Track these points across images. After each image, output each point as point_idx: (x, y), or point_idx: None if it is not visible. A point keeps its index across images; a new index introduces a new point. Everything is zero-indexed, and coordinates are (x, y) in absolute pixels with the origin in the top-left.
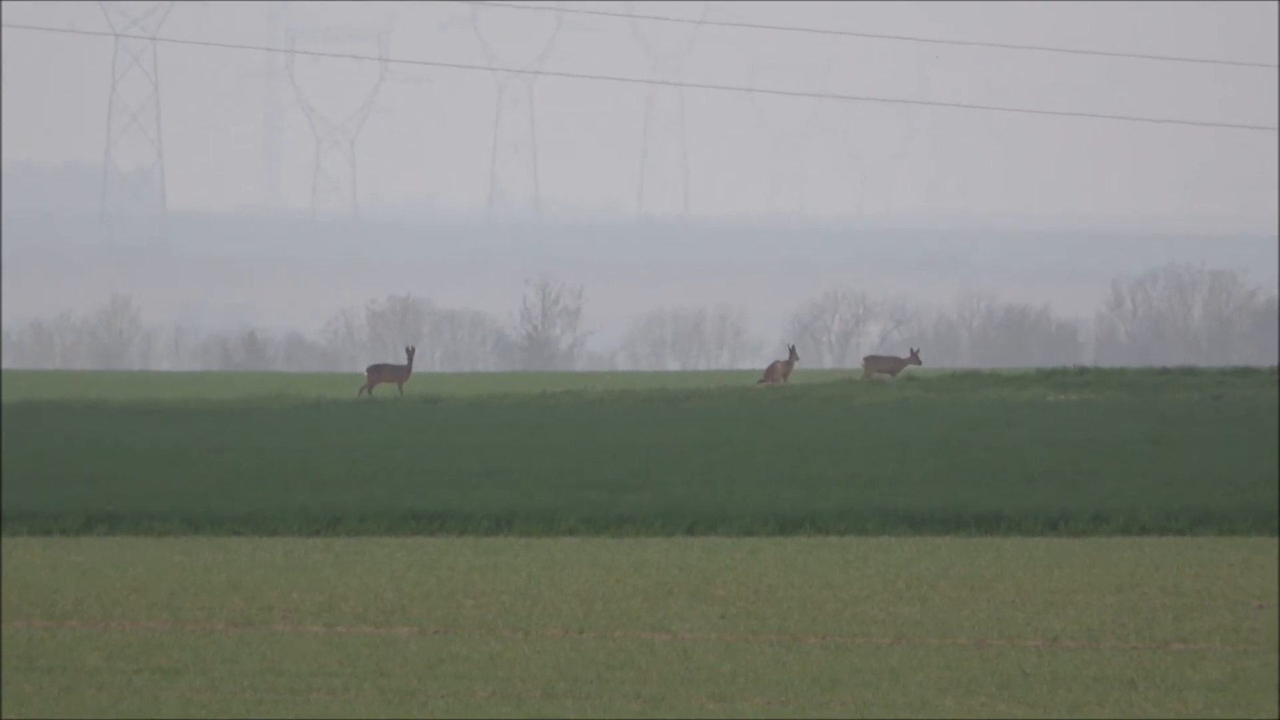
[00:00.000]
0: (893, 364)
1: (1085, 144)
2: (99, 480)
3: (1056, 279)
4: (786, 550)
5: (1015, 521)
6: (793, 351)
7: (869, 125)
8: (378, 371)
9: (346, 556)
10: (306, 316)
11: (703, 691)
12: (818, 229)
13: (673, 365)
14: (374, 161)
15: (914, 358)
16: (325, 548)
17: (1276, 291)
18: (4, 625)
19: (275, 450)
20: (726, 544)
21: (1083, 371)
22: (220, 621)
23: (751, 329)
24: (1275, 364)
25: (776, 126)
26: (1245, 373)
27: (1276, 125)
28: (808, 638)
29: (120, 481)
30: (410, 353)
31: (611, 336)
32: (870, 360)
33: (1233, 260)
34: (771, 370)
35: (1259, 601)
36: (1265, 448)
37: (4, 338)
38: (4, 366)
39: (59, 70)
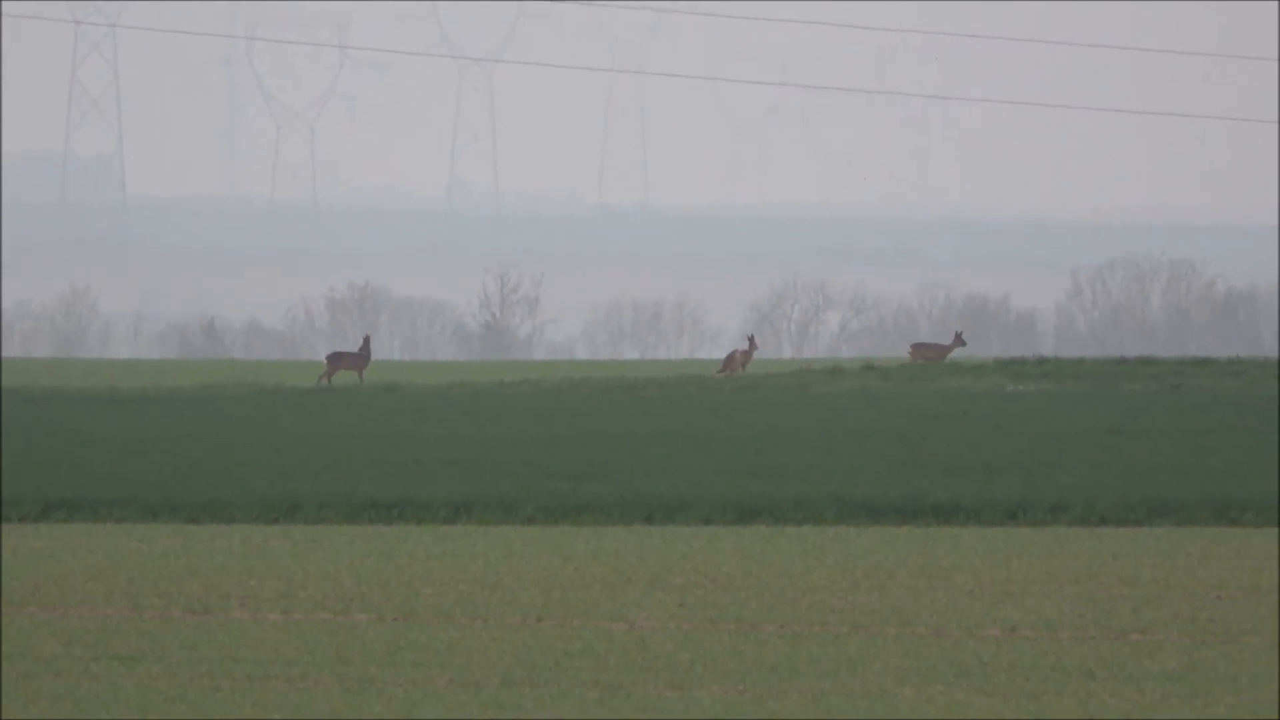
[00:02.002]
0: (938, 351)
1: (1044, 134)
2: (57, 467)
3: (1015, 269)
4: (745, 539)
5: (973, 511)
6: (752, 341)
7: (830, 115)
8: (337, 359)
9: (305, 544)
10: (265, 304)
11: (661, 680)
12: (777, 218)
13: (631, 354)
14: (333, 149)
15: (958, 340)
16: (283, 535)
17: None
18: None
19: (234, 438)
20: (685, 533)
21: (1041, 361)
22: (178, 609)
23: (710, 318)
24: (1234, 355)
25: (737, 116)
26: (1204, 363)
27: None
28: (765, 626)
29: (78, 468)
30: (366, 341)
31: (570, 325)
32: (917, 347)
33: (1191, 250)
34: (730, 359)
35: (1217, 592)
36: (1224, 438)
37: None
38: None
39: (18, 57)
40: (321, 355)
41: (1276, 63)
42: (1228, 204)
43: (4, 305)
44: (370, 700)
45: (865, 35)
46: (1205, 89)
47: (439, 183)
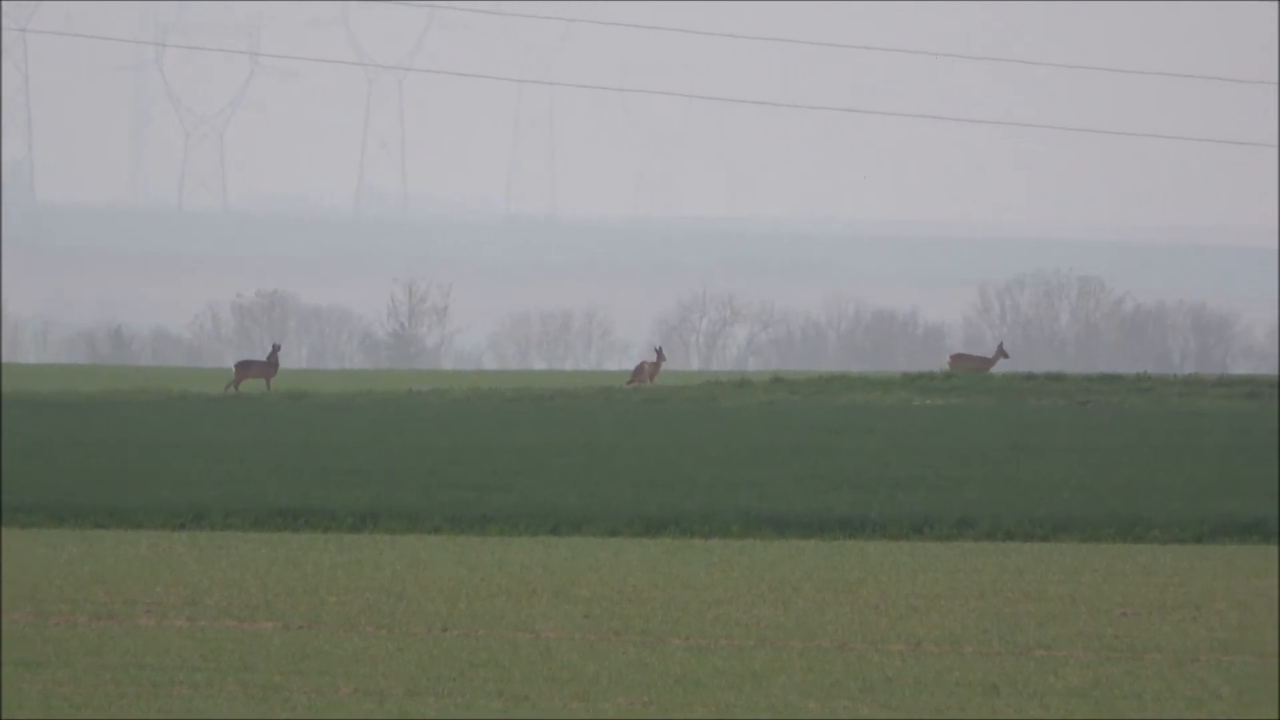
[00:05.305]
0: (979, 363)
1: (955, 148)
2: None
3: (924, 283)
4: (651, 551)
5: (880, 525)
6: (659, 353)
7: (739, 128)
8: (246, 368)
9: (211, 551)
10: (173, 311)
11: (565, 691)
12: (686, 230)
13: (539, 365)
14: (243, 156)
15: (1001, 352)
16: (190, 542)
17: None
18: None
19: (140, 444)
20: (591, 544)
21: (949, 376)
22: (84, 615)
23: (619, 329)
24: (1142, 371)
25: (646, 127)
26: (1111, 379)
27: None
28: (671, 639)
29: None
30: (275, 349)
31: (478, 335)
32: (957, 358)
33: (1100, 267)
34: (639, 371)
35: (1122, 609)
36: (1130, 455)
37: None
38: None
39: None
40: (228, 363)
41: (1190, 80)
42: (1136, 222)
43: None
44: (274, 708)
45: (776, 48)
46: (1117, 103)
47: (348, 190)
